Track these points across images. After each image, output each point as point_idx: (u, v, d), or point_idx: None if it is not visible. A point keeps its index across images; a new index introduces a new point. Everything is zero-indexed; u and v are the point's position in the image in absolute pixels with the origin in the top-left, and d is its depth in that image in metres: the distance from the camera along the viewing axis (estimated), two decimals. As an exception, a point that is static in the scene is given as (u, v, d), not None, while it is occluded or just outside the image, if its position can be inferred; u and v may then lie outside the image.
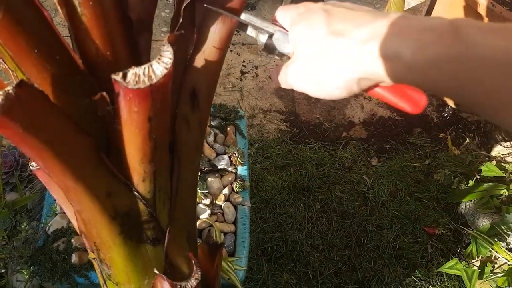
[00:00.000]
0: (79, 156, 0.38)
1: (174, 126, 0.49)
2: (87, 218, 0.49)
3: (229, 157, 1.06)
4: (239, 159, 1.03)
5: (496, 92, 0.31)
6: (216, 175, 1.03)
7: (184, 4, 0.40)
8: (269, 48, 0.47)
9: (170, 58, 0.33)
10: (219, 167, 1.04)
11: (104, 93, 0.36)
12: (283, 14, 0.46)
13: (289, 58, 0.46)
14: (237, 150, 1.05)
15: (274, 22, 0.47)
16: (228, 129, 1.12)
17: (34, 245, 0.99)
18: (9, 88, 0.30)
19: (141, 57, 0.45)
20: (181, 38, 0.45)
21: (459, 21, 0.32)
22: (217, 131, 1.11)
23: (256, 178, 1.64)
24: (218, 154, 1.07)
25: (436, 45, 0.32)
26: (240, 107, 1.95)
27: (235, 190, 1.01)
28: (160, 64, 0.33)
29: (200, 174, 0.99)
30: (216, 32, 0.45)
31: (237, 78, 2.08)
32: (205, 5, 0.43)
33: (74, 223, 0.61)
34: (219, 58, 0.46)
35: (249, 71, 2.12)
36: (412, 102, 0.40)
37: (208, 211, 0.96)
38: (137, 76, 0.33)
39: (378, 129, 1.94)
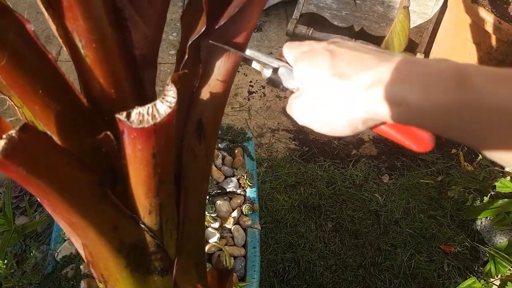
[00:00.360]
0: (83, 193, 0.38)
1: (180, 157, 0.49)
2: (93, 251, 0.49)
3: (238, 180, 1.05)
4: (247, 181, 1.02)
5: (509, 140, 0.30)
6: (225, 198, 1.03)
7: (190, 42, 0.40)
8: (274, 82, 0.48)
9: (174, 98, 0.33)
10: (227, 190, 1.03)
11: (108, 132, 0.36)
12: (288, 51, 0.46)
13: (292, 92, 0.46)
14: (246, 172, 1.04)
15: (280, 57, 0.48)
16: (236, 151, 1.12)
17: (43, 271, 0.99)
18: (13, 132, 0.30)
19: (146, 91, 0.45)
20: (186, 73, 0.45)
21: (466, 68, 0.32)
22: (225, 154, 1.11)
23: (266, 198, 1.63)
24: (226, 177, 1.07)
25: (443, 92, 0.32)
26: (248, 126, 1.95)
27: (244, 213, 1.00)
28: (164, 103, 0.33)
29: (209, 198, 0.99)
30: (221, 66, 0.45)
31: (244, 98, 2.09)
32: (210, 41, 0.43)
33: (82, 253, 0.61)
34: (224, 90, 0.46)
35: (256, 91, 2.13)
36: (419, 140, 0.39)
37: (218, 235, 0.96)
38: (141, 115, 0.33)
39: (388, 146, 1.92)
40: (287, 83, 0.47)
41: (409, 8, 1.40)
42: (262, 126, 1.97)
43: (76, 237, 0.58)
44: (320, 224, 1.60)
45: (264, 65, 0.48)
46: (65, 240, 1.03)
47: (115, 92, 0.39)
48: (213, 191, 1.01)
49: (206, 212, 0.94)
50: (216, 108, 0.48)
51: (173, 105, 0.33)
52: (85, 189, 0.38)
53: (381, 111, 0.36)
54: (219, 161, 1.08)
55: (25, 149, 0.31)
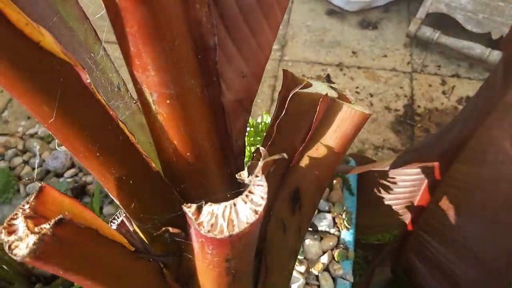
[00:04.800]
0: (139, 284, 0.31)
1: (265, 227, 0.40)
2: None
3: (333, 218, 0.93)
4: (345, 222, 0.90)
5: None
6: (315, 236, 0.92)
7: (291, 94, 0.30)
8: None
9: (263, 198, 0.23)
10: (319, 228, 0.92)
11: (170, 229, 0.27)
12: None
13: None
14: (344, 211, 0.92)
15: None
16: (335, 181, 1.00)
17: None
18: (46, 227, 0.23)
19: (233, 147, 0.36)
20: (287, 130, 0.35)
21: None
22: (321, 182, 1.00)
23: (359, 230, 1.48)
24: (319, 211, 0.95)
25: None
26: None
27: (335, 259, 0.89)
28: (248, 205, 0.23)
29: (297, 235, 0.89)
30: (337, 127, 0.34)
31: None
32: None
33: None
34: (336, 158, 0.36)
35: (362, 99, 1.96)
36: None
37: (302, 280, 0.86)
38: (214, 217, 0.24)
39: None
40: None
41: None
42: (364, 141, 1.81)
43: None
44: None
45: None
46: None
47: (191, 156, 0.31)
48: (302, 227, 0.91)
49: (292, 253, 0.84)
50: (320, 180, 0.37)
51: (260, 209, 0.23)
52: (141, 281, 0.30)
53: None
54: (313, 191, 0.97)
55: (61, 248, 0.24)
